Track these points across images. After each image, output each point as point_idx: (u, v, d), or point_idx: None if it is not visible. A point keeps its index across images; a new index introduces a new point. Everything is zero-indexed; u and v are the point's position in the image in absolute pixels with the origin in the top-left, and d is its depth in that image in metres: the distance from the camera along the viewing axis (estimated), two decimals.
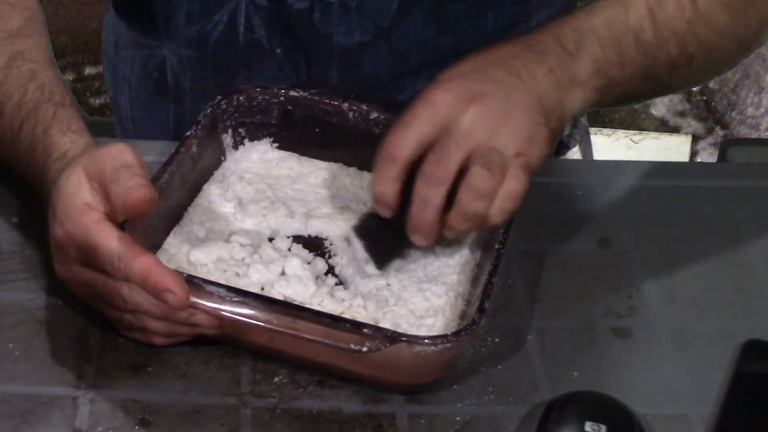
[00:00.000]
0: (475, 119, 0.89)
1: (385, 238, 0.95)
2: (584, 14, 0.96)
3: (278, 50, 1.14)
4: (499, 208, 0.90)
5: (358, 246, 0.97)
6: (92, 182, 0.88)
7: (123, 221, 0.88)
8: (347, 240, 0.98)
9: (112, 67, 1.28)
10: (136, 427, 0.85)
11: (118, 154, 0.89)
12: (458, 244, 0.97)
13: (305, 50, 1.13)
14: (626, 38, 0.96)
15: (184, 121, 1.20)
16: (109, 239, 0.86)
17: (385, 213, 0.92)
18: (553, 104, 0.92)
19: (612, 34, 0.95)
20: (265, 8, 1.13)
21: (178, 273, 0.86)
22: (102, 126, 1.34)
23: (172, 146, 0.98)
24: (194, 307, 0.87)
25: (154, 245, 0.95)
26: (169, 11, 1.16)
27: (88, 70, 1.56)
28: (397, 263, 0.96)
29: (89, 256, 0.87)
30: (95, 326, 0.92)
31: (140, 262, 0.84)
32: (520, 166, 0.89)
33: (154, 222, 0.94)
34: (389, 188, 0.91)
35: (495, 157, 0.88)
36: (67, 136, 0.94)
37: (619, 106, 1.04)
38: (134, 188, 0.87)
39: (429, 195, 0.89)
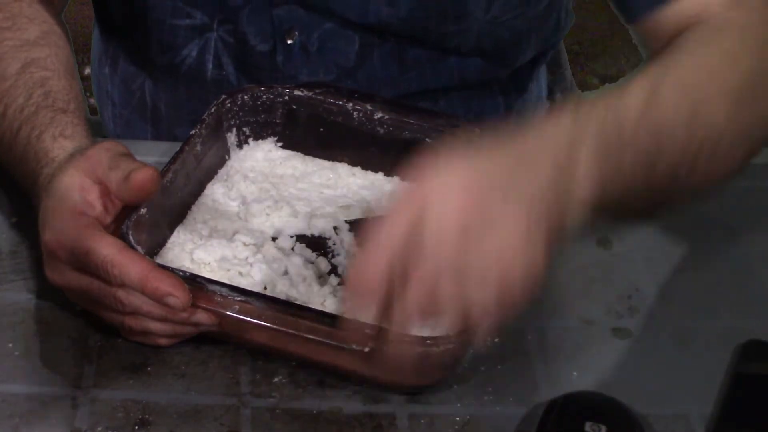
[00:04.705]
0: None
1: None
2: (580, 122, 0.86)
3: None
4: None
5: (348, 238, 0.97)
6: (85, 180, 0.88)
7: (123, 221, 0.88)
8: (335, 229, 0.98)
9: (97, 81, 1.28)
10: (136, 427, 0.85)
11: (113, 147, 0.90)
12: None
13: None
14: (623, 152, 0.87)
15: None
16: (101, 245, 0.85)
17: None
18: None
19: (608, 150, 0.85)
20: (233, 46, 1.14)
21: (176, 274, 0.86)
22: (101, 125, 1.34)
23: (176, 146, 0.98)
24: (197, 306, 0.87)
25: (157, 243, 0.95)
26: (144, 37, 1.16)
27: (88, 70, 1.56)
28: None
29: (81, 261, 0.86)
30: (95, 326, 0.92)
31: (136, 268, 0.84)
32: None
33: (158, 220, 0.94)
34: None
35: None
36: (57, 141, 0.94)
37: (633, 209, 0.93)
38: (139, 169, 0.87)
39: None
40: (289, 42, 1.12)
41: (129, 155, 0.90)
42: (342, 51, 1.13)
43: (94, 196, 0.88)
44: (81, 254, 0.86)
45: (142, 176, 0.87)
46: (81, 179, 0.88)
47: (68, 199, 0.88)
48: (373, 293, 0.80)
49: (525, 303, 0.80)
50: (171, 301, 0.84)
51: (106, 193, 0.89)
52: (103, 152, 0.90)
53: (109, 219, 0.89)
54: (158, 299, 0.84)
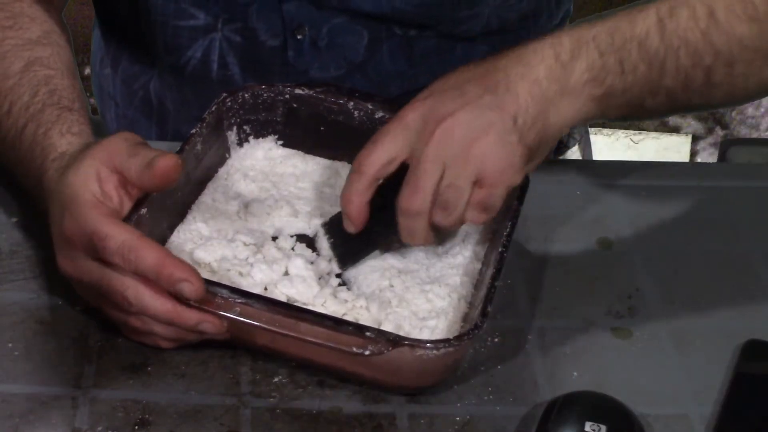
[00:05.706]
0: (440, 147, 0.89)
1: (351, 238, 0.95)
2: (588, 24, 0.94)
3: None
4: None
5: (324, 243, 0.97)
6: (103, 169, 0.88)
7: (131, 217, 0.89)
8: (316, 236, 0.98)
9: (98, 83, 1.28)
10: (136, 427, 0.85)
11: (130, 137, 0.91)
12: (461, 246, 0.98)
13: None
14: (629, 45, 0.91)
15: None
16: (120, 231, 0.86)
17: (350, 228, 0.93)
18: (531, 119, 0.90)
19: (613, 42, 0.92)
20: (239, 45, 1.14)
21: (190, 264, 0.86)
22: (102, 125, 1.34)
23: (177, 146, 0.98)
24: (200, 309, 0.86)
25: (158, 243, 0.94)
26: (148, 38, 1.17)
27: (88, 70, 1.57)
28: (397, 264, 0.96)
29: (97, 247, 0.86)
30: (95, 326, 0.92)
31: (153, 254, 0.85)
32: (475, 205, 0.90)
33: (158, 220, 0.94)
34: (355, 201, 0.92)
35: (451, 197, 0.89)
36: (65, 138, 0.95)
37: (632, 119, 1.00)
38: (161, 155, 0.87)
39: (412, 227, 0.91)
40: (299, 37, 1.13)
41: (146, 144, 0.90)
42: (351, 46, 1.13)
43: (111, 187, 0.89)
44: (99, 239, 0.86)
45: (166, 163, 0.87)
46: (98, 168, 0.89)
47: (87, 189, 0.88)
48: (366, 177, 0.91)
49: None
50: (185, 287, 0.84)
51: (123, 183, 0.89)
52: (121, 141, 0.90)
53: (126, 209, 0.89)
54: (172, 285, 0.84)
